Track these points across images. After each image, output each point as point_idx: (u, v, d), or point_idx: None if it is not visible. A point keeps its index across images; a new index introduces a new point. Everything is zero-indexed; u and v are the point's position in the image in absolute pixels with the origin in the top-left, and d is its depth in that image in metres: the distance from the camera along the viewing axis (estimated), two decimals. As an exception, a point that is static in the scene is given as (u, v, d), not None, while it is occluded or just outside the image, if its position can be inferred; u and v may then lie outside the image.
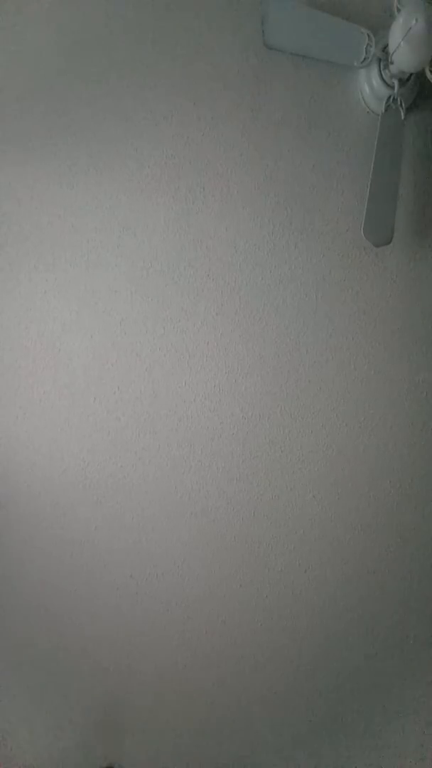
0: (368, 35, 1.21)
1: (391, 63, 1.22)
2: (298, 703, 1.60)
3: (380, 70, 1.26)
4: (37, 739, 1.55)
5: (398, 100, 1.25)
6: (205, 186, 1.34)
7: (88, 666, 1.54)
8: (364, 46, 1.21)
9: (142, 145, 1.32)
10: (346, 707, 1.61)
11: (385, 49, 1.22)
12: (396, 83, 1.25)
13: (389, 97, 1.25)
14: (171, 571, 1.50)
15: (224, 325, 1.41)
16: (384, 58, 1.24)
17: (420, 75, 1.24)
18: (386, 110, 1.25)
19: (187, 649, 1.55)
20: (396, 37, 1.15)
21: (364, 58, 1.23)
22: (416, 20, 1.11)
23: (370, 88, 1.30)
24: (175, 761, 1.62)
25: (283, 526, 1.50)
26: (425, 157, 1.37)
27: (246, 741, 1.61)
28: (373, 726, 1.62)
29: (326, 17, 1.19)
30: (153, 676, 1.56)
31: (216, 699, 1.58)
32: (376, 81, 1.28)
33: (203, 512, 1.48)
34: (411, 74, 1.25)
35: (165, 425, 1.43)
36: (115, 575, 1.49)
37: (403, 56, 1.16)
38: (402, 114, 1.25)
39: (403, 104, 1.25)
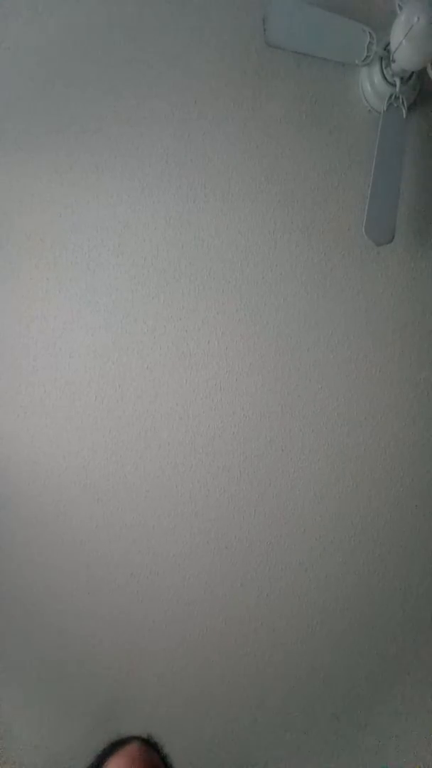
0: (370, 33, 1.21)
1: (393, 61, 1.22)
2: (300, 702, 1.60)
3: (382, 68, 1.26)
4: (37, 739, 1.55)
5: (400, 98, 1.25)
6: (206, 184, 1.34)
7: (88, 665, 1.54)
8: (366, 44, 1.21)
9: (142, 143, 1.32)
10: (347, 706, 1.61)
11: (386, 47, 1.22)
12: (398, 81, 1.25)
13: (391, 95, 1.25)
14: (171, 571, 1.50)
15: (225, 323, 1.40)
16: (386, 56, 1.24)
17: (422, 73, 1.24)
18: (388, 108, 1.25)
19: (187, 649, 1.54)
20: (398, 35, 1.15)
21: (366, 56, 1.23)
22: (418, 18, 1.11)
23: (372, 86, 1.30)
24: (176, 761, 1.62)
25: (283, 526, 1.50)
26: (427, 156, 1.36)
27: (247, 740, 1.61)
28: (374, 725, 1.62)
29: (328, 15, 1.19)
30: (153, 676, 1.55)
31: (217, 698, 1.58)
32: (377, 79, 1.28)
33: (204, 511, 1.48)
34: (413, 72, 1.25)
35: (166, 424, 1.43)
36: (115, 574, 1.49)
37: (405, 54, 1.17)
38: (404, 112, 1.25)
39: (405, 102, 1.25)
